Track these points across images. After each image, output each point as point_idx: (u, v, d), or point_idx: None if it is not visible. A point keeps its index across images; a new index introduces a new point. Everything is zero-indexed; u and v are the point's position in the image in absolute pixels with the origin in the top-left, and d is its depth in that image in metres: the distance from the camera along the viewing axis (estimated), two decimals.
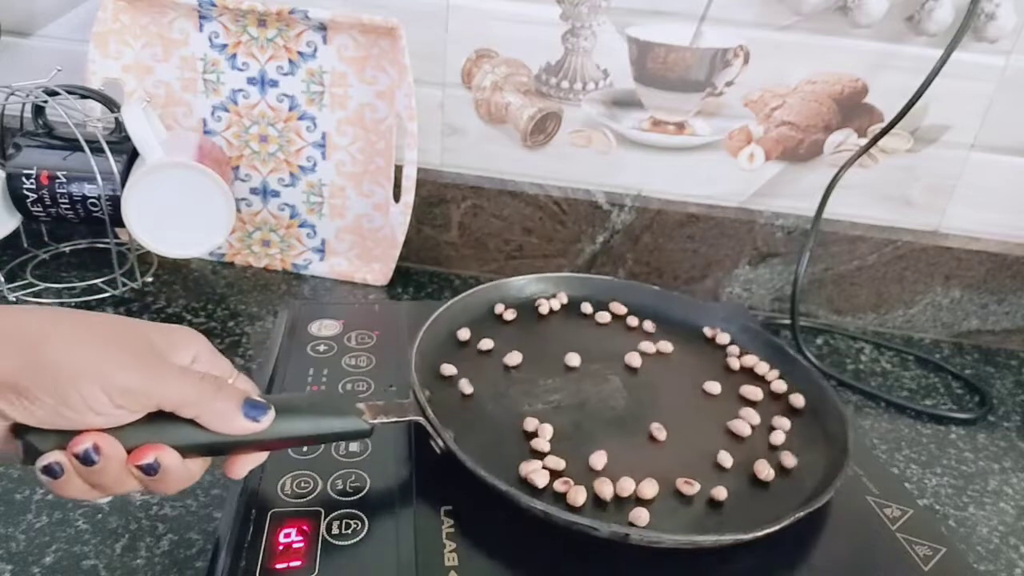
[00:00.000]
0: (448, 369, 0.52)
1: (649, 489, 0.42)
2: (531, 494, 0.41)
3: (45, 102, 0.67)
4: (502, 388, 0.51)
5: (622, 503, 0.42)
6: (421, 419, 0.43)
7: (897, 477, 0.58)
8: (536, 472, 0.42)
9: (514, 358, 0.54)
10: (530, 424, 0.47)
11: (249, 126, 0.75)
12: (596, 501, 0.42)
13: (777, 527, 0.39)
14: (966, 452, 0.63)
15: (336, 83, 0.72)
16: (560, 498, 0.42)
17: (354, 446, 0.45)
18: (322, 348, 0.55)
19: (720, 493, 0.43)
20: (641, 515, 0.40)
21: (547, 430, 0.46)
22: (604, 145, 0.78)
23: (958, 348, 0.80)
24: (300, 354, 0.54)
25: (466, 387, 0.50)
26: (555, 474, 0.43)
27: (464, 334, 0.56)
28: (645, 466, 0.45)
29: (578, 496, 0.41)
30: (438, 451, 0.43)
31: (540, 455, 0.45)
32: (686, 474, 0.44)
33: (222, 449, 0.36)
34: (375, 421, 0.41)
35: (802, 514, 0.40)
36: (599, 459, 0.45)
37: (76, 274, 0.74)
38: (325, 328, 0.58)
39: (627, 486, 0.42)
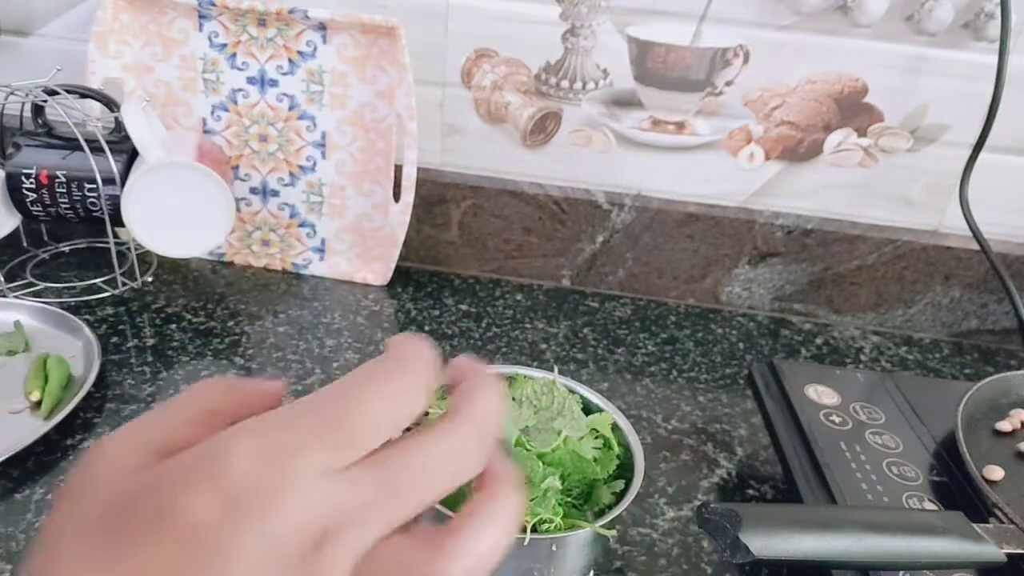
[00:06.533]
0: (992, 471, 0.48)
1: None
2: None
3: (45, 101, 0.67)
4: None
5: None
6: None
7: None
8: None
9: None
10: None
11: (249, 126, 0.75)
12: None
13: None
14: None
15: (336, 82, 0.72)
16: None
17: None
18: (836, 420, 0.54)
19: None
20: None
21: None
22: (604, 145, 0.77)
23: (958, 348, 0.80)
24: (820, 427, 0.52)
25: None
26: None
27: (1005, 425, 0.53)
28: None
29: None
30: None
31: None
32: None
33: None
34: (1015, 551, 0.37)
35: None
36: None
37: (76, 273, 0.74)
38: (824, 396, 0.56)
39: None
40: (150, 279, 0.74)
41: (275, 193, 0.77)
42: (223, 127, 0.75)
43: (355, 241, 0.79)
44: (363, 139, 0.74)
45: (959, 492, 0.48)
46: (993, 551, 0.37)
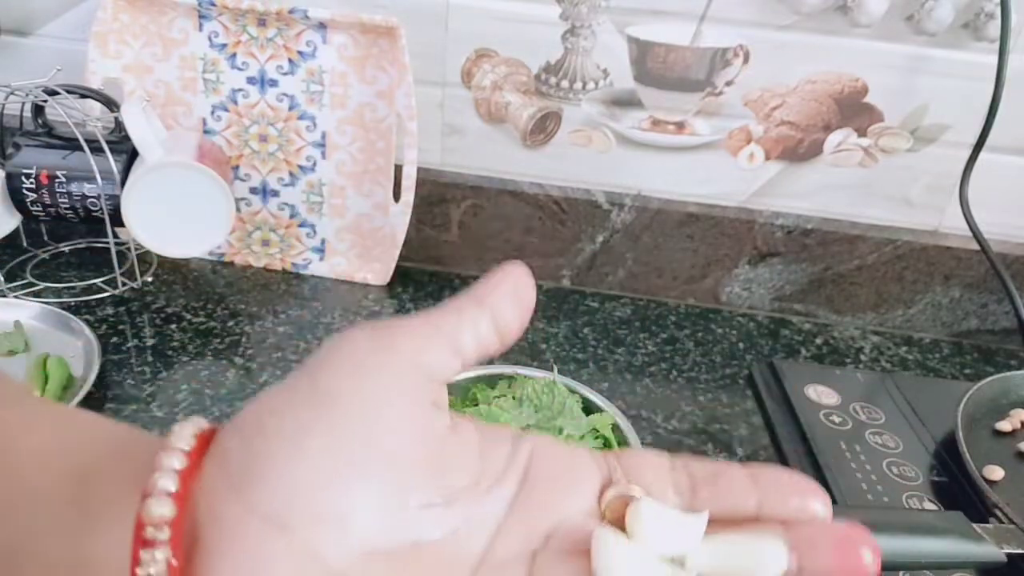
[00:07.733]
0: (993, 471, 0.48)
1: None
2: None
3: (45, 101, 0.67)
4: None
5: None
6: None
7: None
8: None
9: None
10: None
11: (249, 126, 0.75)
12: None
13: None
14: None
15: (336, 83, 0.72)
16: None
17: None
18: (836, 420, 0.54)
19: None
20: None
21: None
22: (604, 145, 0.77)
23: (958, 348, 0.80)
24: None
25: None
26: None
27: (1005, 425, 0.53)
28: None
29: None
30: None
31: None
32: None
33: None
34: (1015, 550, 0.37)
35: None
36: None
37: (76, 273, 0.74)
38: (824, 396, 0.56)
39: None
40: (150, 279, 0.74)
41: (275, 193, 0.77)
42: (223, 127, 0.75)
43: (355, 241, 0.79)
44: (363, 139, 0.74)
45: (959, 492, 0.48)
46: (993, 551, 0.37)
